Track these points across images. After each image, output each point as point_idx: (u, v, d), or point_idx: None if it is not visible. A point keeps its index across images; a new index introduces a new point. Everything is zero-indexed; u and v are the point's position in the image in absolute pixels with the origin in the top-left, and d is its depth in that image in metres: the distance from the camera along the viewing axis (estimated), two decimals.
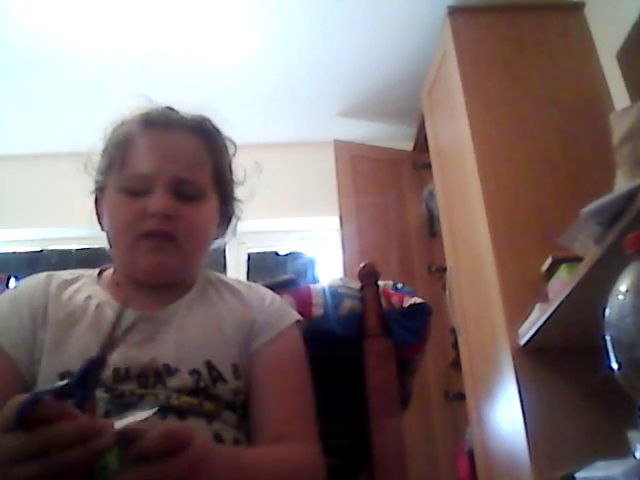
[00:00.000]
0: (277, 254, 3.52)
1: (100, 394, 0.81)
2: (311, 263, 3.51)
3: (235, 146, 1.03)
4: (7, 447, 0.54)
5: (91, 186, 0.99)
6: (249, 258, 3.40)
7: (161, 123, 0.94)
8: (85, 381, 0.60)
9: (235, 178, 1.04)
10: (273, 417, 0.87)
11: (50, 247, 3.48)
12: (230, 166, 1.02)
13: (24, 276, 0.98)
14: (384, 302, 1.11)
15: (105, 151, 0.97)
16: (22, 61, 2.83)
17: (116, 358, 0.85)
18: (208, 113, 0.99)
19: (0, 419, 0.56)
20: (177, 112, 0.97)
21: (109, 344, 0.69)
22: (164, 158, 0.92)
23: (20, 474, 0.53)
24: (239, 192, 1.05)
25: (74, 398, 0.59)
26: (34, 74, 2.89)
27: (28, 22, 2.61)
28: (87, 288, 0.95)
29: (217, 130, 1.00)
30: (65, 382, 0.58)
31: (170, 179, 0.91)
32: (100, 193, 0.98)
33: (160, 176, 0.90)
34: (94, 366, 0.62)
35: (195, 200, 0.93)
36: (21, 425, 0.54)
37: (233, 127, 1.02)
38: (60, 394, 0.57)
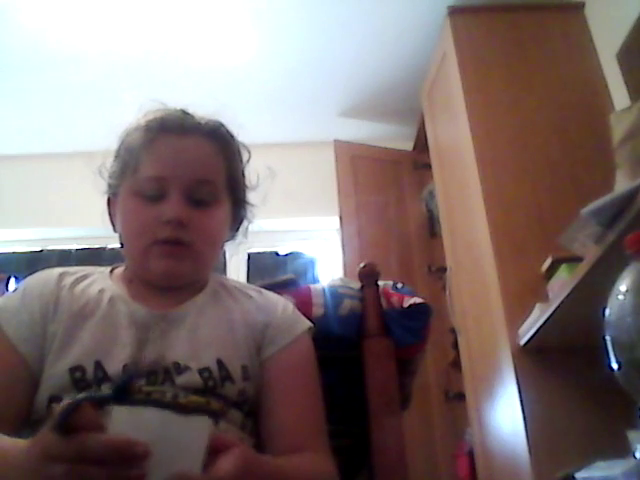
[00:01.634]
0: (277, 254, 3.51)
1: (107, 389, 0.82)
2: (311, 263, 3.51)
3: (249, 152, 1.04)
4: (48, 445, 0.59)
5: (98, 187, 1.00)
6: (249, 258, 3.40)
7: (176, 128, 0.95)
8: (124, 392, 0.61)
9: (248, 183, 1.04)
10: (289, 426, 0.88)
11: (50, 247, 3.48)
12: (243, 171, 1.03)
13: (24, 276, 0.98)
14: (384, 302, 1.11)
15: (119, 154, 0.97)
16: (21, 61, 2.83)
17: (127, 355, 0.85)
18: (222, 117, 1.00)
19: (50, 422, 0.60)
20: (192, 116, 0.98)
21: (140, 354, 0.71)
22: (178, 162, 0.92)
23: (53, 472, 0.57)
24: (251, 196, 1.05)
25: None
26: (34, 74, 2.89)
27: (29, 23, 2.61)
28: (100, 282, 0.96)
29: (231, 135, 1.00)
30: (101, 393, 0.61)
31: (184, 183, 0.91)
32: (113, 195, 0.99)
33: (174, 180, 0.91)
34: (132, 378, 0.63)
35: (208, 205, 0.94)
36: (61, 429, 0.57)
37: (233, 127, 1.02)
38: (99, 402, 0.60)
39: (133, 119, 0.98)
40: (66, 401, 0.59)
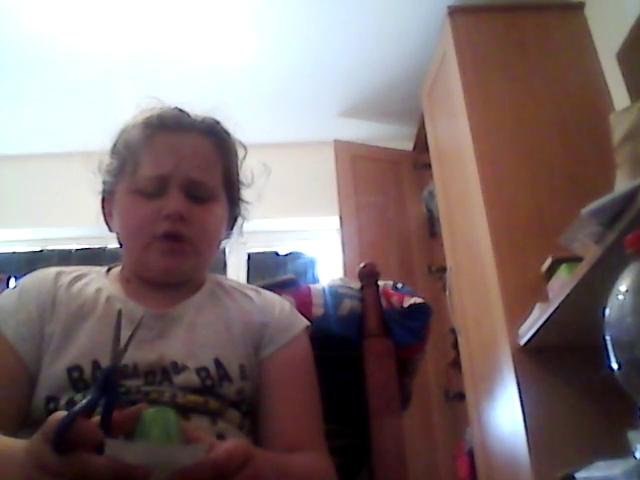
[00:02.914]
0: (277, 254, 3.51)
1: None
2: (311, 263, 3.50)
3: (245, 149, 1.04)
4: (46, 461, 0.57)
5: (98, 186, 1.00)
6: (249, 258, 3.40)
7: (174, 125, 0.95)
8: (106, 390, 0.61)
9: (243, 180, 1.05)
10: (287, 426, 0.88)
11: (50, 247, 3.48)
12: (237, 168, 1.03)
13: (24, 276, 0.98)
14: (384, 302, 1.11)
15: (116, 152, 0.97)
16: (21, 61, 2.83)
17: (125, 355, 0.84)
18: (217, 115, 1.00)
19: (42, 433, 0.59)
20: (188, 114, 0.98)
21: (121, 350, 0.70)
22: (177, 159, 0.93)
23: None
24: (247, 194, 1.06)
25: (99, 406, 0.60)
26: (33, 74, 2.89)
27: (29, 22, 2.61)
28: (96, 282, 0.96)
29: (227, 133, 1.01)
30: (89, 398, 0.60)
31: (183, 180, 0.92)
32: (108, 194, 0.99)
33: (174, 177, 0.91)
34: (111, 374, 0.63)
35: (207, 201, 0.94)
36: (58, 447, 0.56)
37: (234, 127, 1.02)
38: (88, 409, 0.59)
39: (130, 116, 0.98)
40: (58, 415, 0.58)
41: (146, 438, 0.60)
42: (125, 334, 0.87)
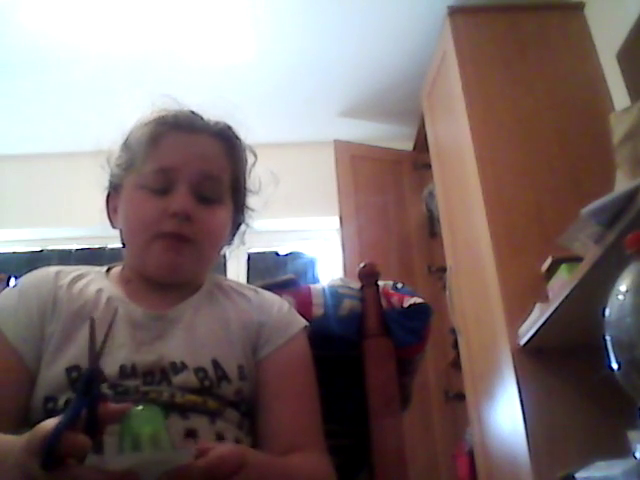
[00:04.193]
0: (277, 254, 3.51)
1: (104, 390, 0.81)
2: (311, 263, 3.51)
3: (255, 156, 1.05)
4: (35, 476, 0.57)
5: (100, 186, 1.00)
6: (249, 258, 3.40)
7: (186, 125, 0.96)
8: (88, 393, 0.60)
9: (250, 187, 1.05)
10: (285, 426, 0.88)
11: (50, 247, 3.48)
12: (245, 175, 1.04)
13: (24, 275, 0.97)
14: (384, 302, 1.11)
15: (126, 148, 0.98)
16: (21, 61, 2.83)
17: (123, 356, 0.85)
18: (230, 120, 1.01)
19: (29, 445, 0.58)
20: (201, 117, 0.99)
21: (98, 353, 0.69)
22: (188, 157, 0.93)
23: None
24: (252, 201, 1.06)
25: (85, 408, 0.60)
26: (34, 74, 2.89)
27: (29, 23, 2.61)
28: (97, 282, 0.96)
29: (239, 139, 1.01)
30: (71, 409, 0.59)
31: (192, 178, 0.92)
32: (114, 190, 0.99)
33: (182, 174, 0.92)
34: (91, 379, 0.62)
35: (213, 203, 0.94)
36: (48, 466, 0.56)
37: (245, 133, 1.03)
38: (72, 420, 0.58)
39: (144, 113, 0.99)
40: (44, 429, 0.58)
41: (134, 436, 0.60)
42: (125, 334, 0.87)
